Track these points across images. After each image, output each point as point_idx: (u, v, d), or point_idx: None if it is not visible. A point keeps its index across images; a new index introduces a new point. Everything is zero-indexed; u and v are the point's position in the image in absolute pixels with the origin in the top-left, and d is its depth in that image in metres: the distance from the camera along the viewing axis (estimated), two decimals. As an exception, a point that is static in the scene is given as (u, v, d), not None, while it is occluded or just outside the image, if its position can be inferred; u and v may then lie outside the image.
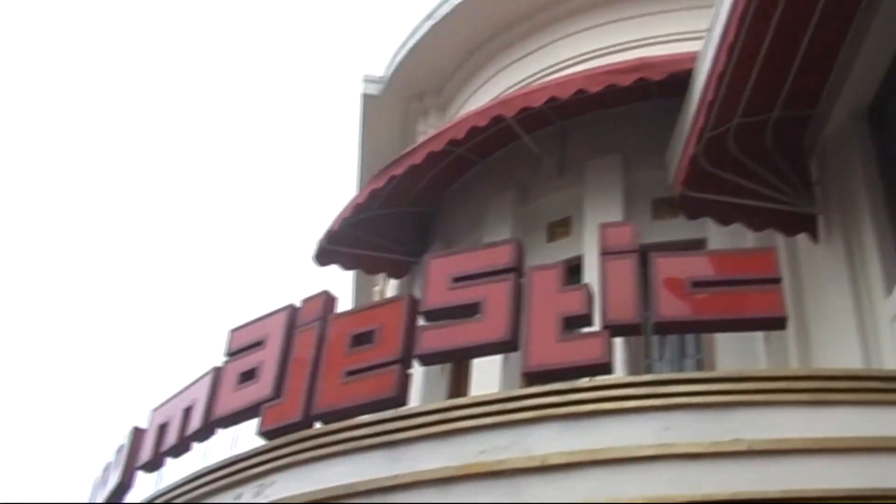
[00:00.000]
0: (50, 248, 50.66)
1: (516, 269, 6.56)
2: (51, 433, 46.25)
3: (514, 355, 6.46)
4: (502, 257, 6.68)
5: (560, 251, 9.78)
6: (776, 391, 5.72)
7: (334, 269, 11.78)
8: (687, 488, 5.40)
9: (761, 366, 8.33)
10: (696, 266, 6.61)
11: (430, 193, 11.42)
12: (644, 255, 6.49)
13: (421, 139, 11.71)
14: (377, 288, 14.11)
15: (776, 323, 6.47)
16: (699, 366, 8.70)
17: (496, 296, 6.42)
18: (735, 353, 8.29)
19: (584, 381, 5.98)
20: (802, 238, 8.60)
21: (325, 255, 11.31)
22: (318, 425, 6.62)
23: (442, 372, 7.48)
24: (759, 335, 8.43)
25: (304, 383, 6.69)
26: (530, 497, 5.52)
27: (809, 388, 5.71)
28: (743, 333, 7.93)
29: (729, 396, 5.70)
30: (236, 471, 6.64)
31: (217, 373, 7.50)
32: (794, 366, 8.06)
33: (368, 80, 13.38)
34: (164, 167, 55.15)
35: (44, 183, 51.23)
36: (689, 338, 8.91)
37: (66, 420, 46.17)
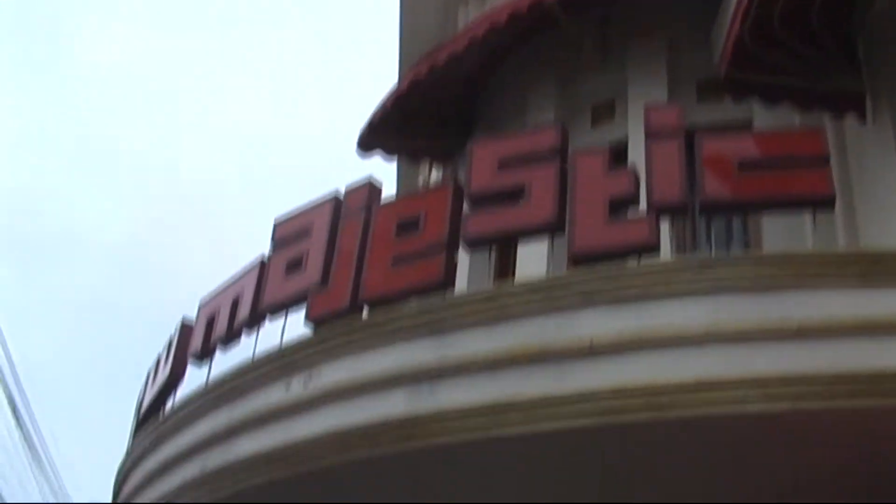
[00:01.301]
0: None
1: (561, 152, 6.51)
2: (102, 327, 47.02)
3: (560, 239, 6.44)
4: (547, 140, 6.62)
5: (604, 135, 9.66)
6: (824, 272, 5.68)
7: (377, 162, 11.74)
8: (736, 369, 5.41)
9: (808, 248, 8.27)
10: (743, 147, 6.54)
11: (472, 81, 11.29)
12: (690, 136, 6.41)
13: (461, 27, 11.55)
14: (421, 177, 14.07)
15: (824, 202, 6.40)
16: (746, 248, 8.64)
17: (542, 179, 6.38)
18: (782, 235, 8.20)
19: (632, 264, 5.96)
20: (850, 119, 8.45)
21: (368, 143, 11.24)
22: (365, 313, 6.66)
23: (488, 258, 7.44)
24: (805, 218, 8.34)
25: (350, 271, 6.71)
26: (578, 380, 5.55)
27: (858, 268, 5.67)
28: (789, 216, 7.86)
29: (777, 278, 5.67)
30: (285, 361, 6.70)
31: (264, 264, 7.54)
32: (841, 247, 7.99)
33: (409, -30, 13.16)
34: (201, 56, 55.07)
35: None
36: (736, 221, 8.83)
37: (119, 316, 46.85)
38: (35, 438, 18.19)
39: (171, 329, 8.71)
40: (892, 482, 5.82)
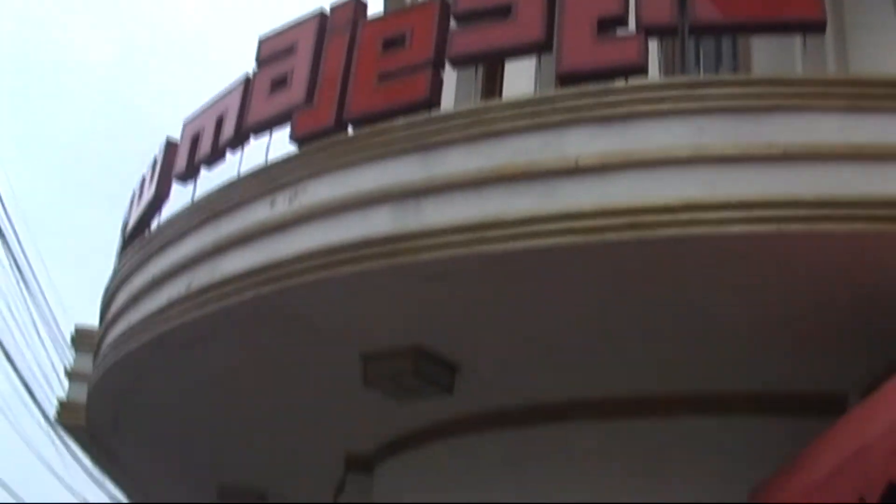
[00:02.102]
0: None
1: (550, -30, 6.37)
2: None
3: (548, 59, 6.37)
4: (535, -43, 6.46)
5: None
6: (812, 96, 5.65)
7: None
8: (721, 191, 5.42)
9: (798, 71, 8.22)
10: (736, -32, 6.40)
11: None
12: (682, -45, 6.27)
13: None
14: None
15: (815, 26, 6.31)
16: (735, 71, 8.58)
17: (530, -3, 6.27)
18: (771, 59, 8.14)
19: (619, 84, 5.91)
20: (844, -55, 8.30)
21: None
22: (350, 131, 6.63)
23: (475, 76, 7.39)
24: (796, 43, 8.26)
25: (335, 88, 6.65)
26: (564, 199, 5.56)
27: (847, 93, 5.64)
28: (780, 40, 7.78)
29: (765, 100, 5.64)
30: (270, 178, 6.70)
31: (248, 81, 7.46)
32: (830, 72, 7.94)
33: None
34: None
35: None
36: (726, 43, 8.75)
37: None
38: (23, 262, 18.25)
39: (156, 151, 8.69)
40: (874, 308, 5.89)
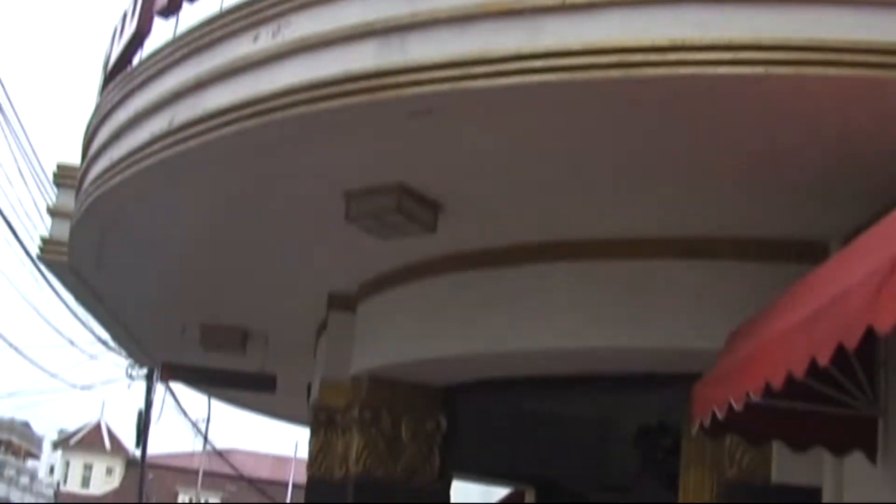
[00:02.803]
0: None
1: None
2: None
3: None
4: None
5: None
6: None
7: None
8: (710, 31, 5.32)
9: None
10: None
11: None
12: None
13: None
14: None
15: None
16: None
17: None
18: None
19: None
20: None
21: None
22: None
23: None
24: None
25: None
26: (550, 36, 5.46)
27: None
28: None
29: None
30: (253, 12, 6.56)
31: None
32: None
33: None
34: None
35: None
36: None
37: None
38: (3, 100, 18.03)
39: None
40: (859, 152, 5.88)
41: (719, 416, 5.27)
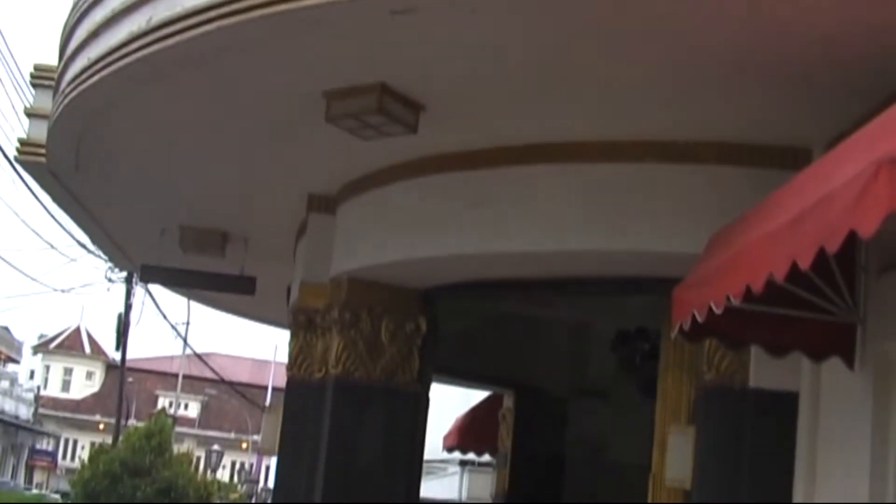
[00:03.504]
0: None
1: None
2: None
3: None
4: None
5: None
6: None
7: None
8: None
9: None
10: None
11: None
12: None
13: None
14: None
15: None
16: None
17: None
18: None
19: None
20: None
21: None
22: None
23: None
24: None
25: None
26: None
27: None
28: None
29: None
30: None
31: None
32: None
33: None
34: None
35: None
36: None
37: None
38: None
39: None
40: (841, 57, 5.81)
41: (699, 319, 5.29)
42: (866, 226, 3.69)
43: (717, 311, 5.04)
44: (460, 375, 13.03)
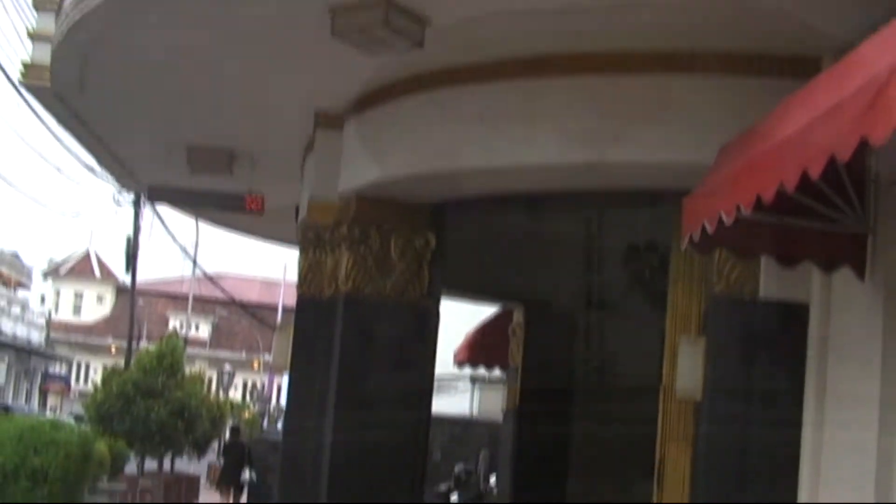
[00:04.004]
0: None
1: None
2: None
3: None
4: None
5: None
6: None
7: None
8: None
9: None
10: None
11: None
12: None
13: None
14: None
15: None
16: None
17: None
18: None
19: None
20: None
21: None
22: None
23: None
24: None
25: None
26: None
27: None
28: None
29: None
30: None
31: None
32: None
33: None
34: None
35: None
36: None
37: None
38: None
39: None
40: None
41: (709, 229, 5.27)
42: (878, 134, 3.67)
43: (728, 221, 5.02)
44: (470, 291, 13.08)
